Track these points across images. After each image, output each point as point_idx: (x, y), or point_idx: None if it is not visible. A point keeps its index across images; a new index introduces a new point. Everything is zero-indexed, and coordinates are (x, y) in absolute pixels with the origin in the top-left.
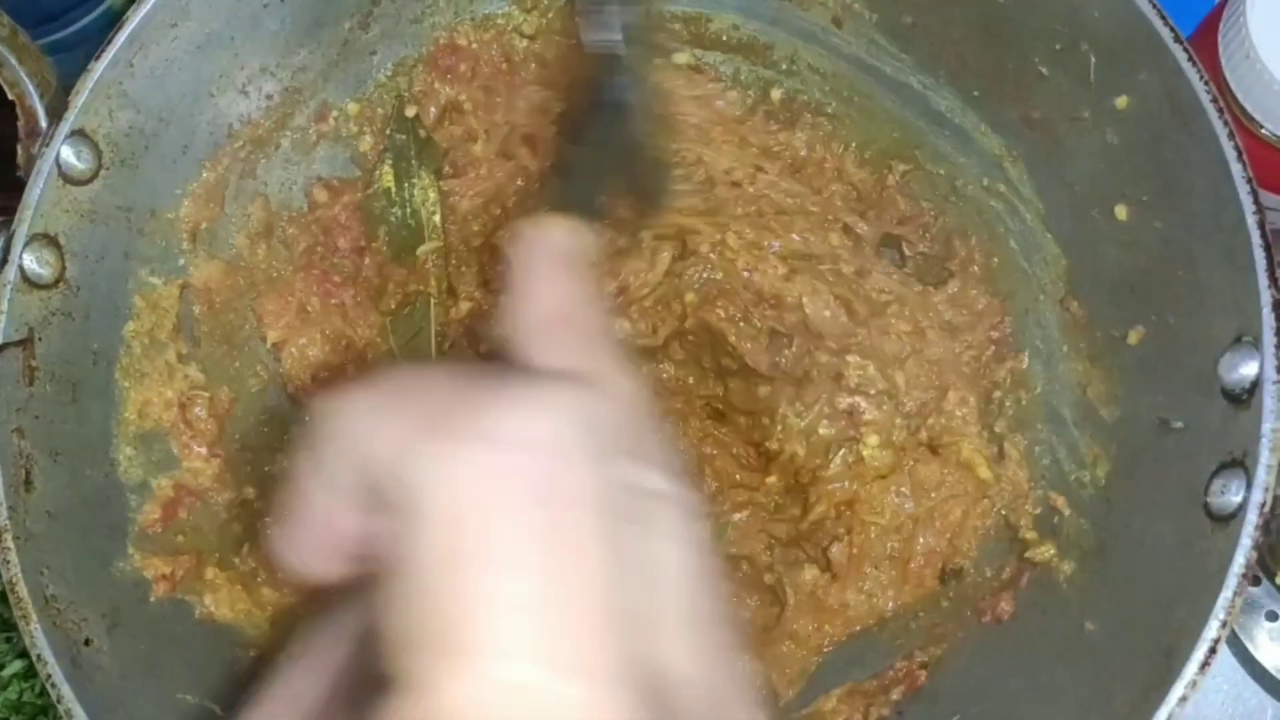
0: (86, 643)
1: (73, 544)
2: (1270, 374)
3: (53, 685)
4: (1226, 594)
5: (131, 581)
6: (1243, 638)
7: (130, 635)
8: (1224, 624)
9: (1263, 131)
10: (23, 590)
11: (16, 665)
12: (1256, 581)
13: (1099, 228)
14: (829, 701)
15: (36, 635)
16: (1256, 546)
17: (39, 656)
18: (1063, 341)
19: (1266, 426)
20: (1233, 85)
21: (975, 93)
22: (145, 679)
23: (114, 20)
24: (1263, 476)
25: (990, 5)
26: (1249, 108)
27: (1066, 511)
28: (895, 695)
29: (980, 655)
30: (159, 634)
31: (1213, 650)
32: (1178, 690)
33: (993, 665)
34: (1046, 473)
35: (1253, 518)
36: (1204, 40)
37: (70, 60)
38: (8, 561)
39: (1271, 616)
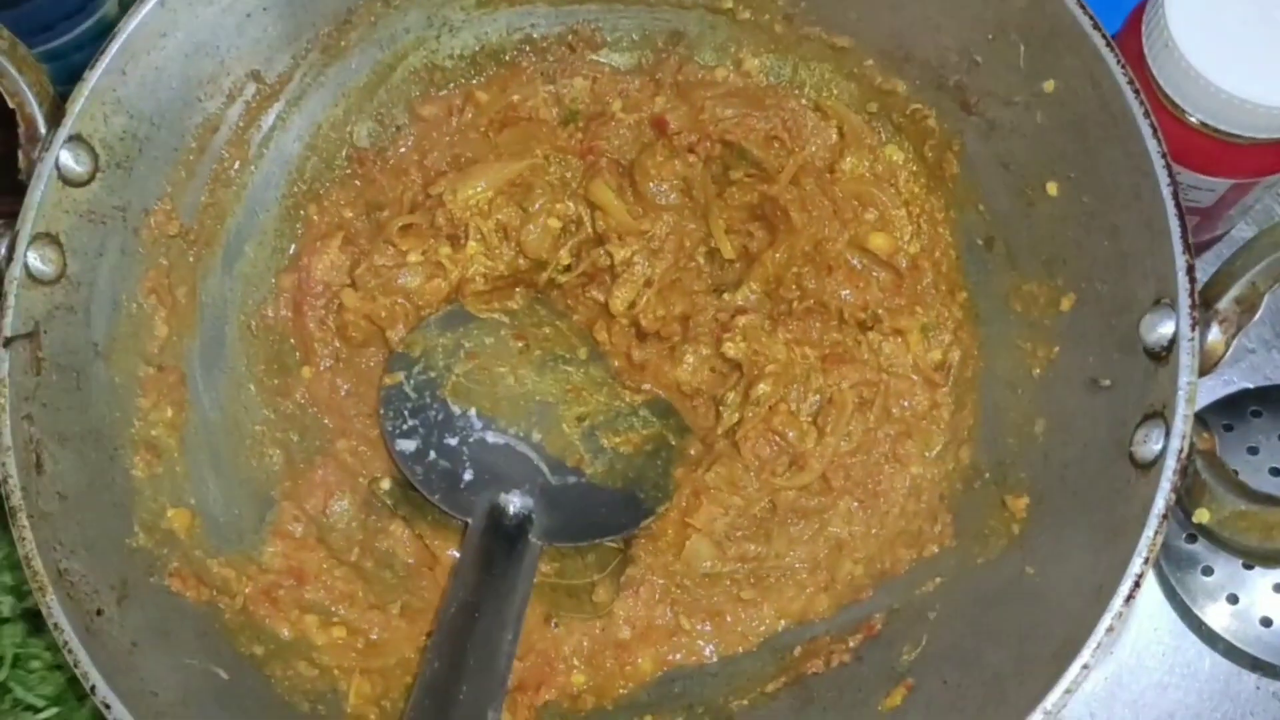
0: (98, 613)
1: (83, 522)
2: (1185, 332)
3: (69, 650)
4: (1149, 533)
5: (139, 557)
6: (1180, 592)
7: (139, 606)
8: (1146, 560)
9: (1189, 118)
10: (38, 564)
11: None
12: (1193, 539)
13: (1033, 204)
14: (795, 650)
15: (53, 605)
16: (1175, 489)
17: (55, 625)
18: (1004, 310)
19: (1183, 380)
20: (1155, 74)
21: (916, 81)
22: (154, 646)
23: (106, 30)
24: (1180, 425)
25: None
26: (1171, 93)
27: (1009, 465)
28: (853, 643)
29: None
30: (165, 605)
31: (1137, 584)
32: (1105, 621)
33: (943, 611)
34: (990, 429)
35: (1171, 463)
36: (1129, 33)
37: (64, 68)
38: (23, 539)
39: (1207, 572)
